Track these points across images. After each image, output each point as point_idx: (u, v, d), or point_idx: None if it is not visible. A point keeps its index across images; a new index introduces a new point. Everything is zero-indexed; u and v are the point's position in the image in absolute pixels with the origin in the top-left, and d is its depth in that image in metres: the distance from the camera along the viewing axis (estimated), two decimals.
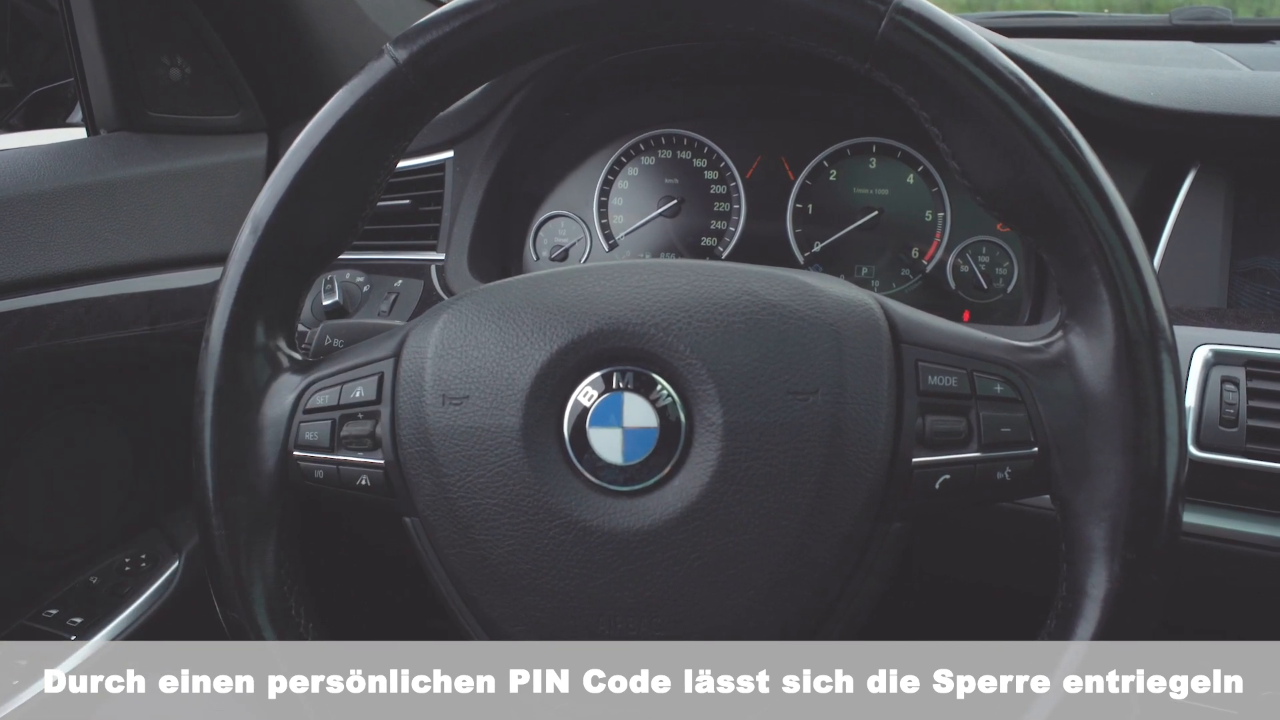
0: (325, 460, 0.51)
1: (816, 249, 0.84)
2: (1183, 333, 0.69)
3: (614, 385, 0.46)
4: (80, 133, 0.86)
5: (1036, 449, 0.45)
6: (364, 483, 0.50)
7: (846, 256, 0.83)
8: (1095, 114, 0.77)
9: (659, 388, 0.45)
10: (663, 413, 0.45)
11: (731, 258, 0.85)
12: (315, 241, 0.53)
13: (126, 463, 0.82)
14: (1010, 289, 0.82)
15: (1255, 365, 0.67)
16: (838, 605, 0.46)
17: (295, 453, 0.51)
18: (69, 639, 0.73)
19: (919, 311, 0.48)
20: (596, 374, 0.46)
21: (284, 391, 0.52)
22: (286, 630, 0.51)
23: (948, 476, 0.45)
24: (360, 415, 0.51)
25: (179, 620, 0.72)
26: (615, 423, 0.45)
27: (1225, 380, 0.66)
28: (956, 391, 0.45)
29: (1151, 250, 0.78)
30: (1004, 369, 0.45)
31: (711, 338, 0.45)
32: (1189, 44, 1.03)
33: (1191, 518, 0.66)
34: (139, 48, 0.81)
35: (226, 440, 0.51)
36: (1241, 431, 0.64)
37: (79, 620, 0.74)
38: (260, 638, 0.51)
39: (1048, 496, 0.46)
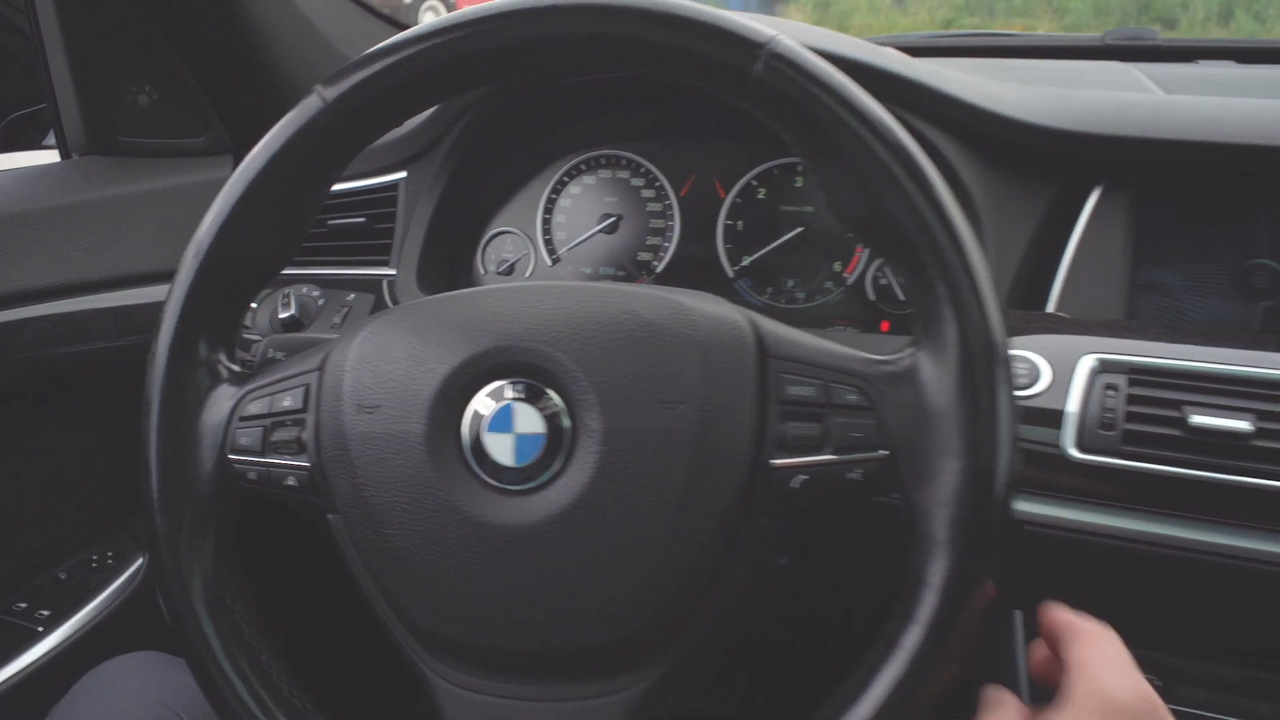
0: (257, 463, 0.56)
1: (745, 263, 0.89)
2: (1075, 342, 0.74)
3: (507, 395, 0.51)
4: (55, 155, 0.92)
5: (885, 452, 0.49)
6: (291, 483, 0.56)
7: (773, 270, 0.88)
8: (1004, 137, 0.82)
9: (547, 397, 0.50)
10: (550, 420, 0.50)
11: (666, 271, 0.90)
12: (252, 265, 0.58)
13: (96, 466, 0.87)
14: None
15: (1137, 373, 0.71)
16: (709, 593, 0.51)
17: (231, 456, 0.56)
18: (37, 630, 0.78)
19: (787, 328, 0.53)
20: (492, 385, 0.51)
21: (222, 400, 0.57)
22: (221, 617, 0.56)
23: (805, 477, 0.50)
24: (289, 422, 0.56)
25: (141, 612, 0.77)
26: (508, 429, 0.50)
27: (1107, 387, 0.71)
28: (814, 400, 0.50)
29: (1056, 265, 0.83)
30: (857, 380, 0.50)
31: (594, 353, 0.50)
32: (1115, 64, 1.08)
33: (1072, 514, 0.70)
34: (108, 76, 0.86)
35: (169, 445, 0.56)
36: (1119, 434, 0.69)
37: (47, 613, 0.79)
38: (198, 624, 0.56)
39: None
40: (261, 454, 0.56)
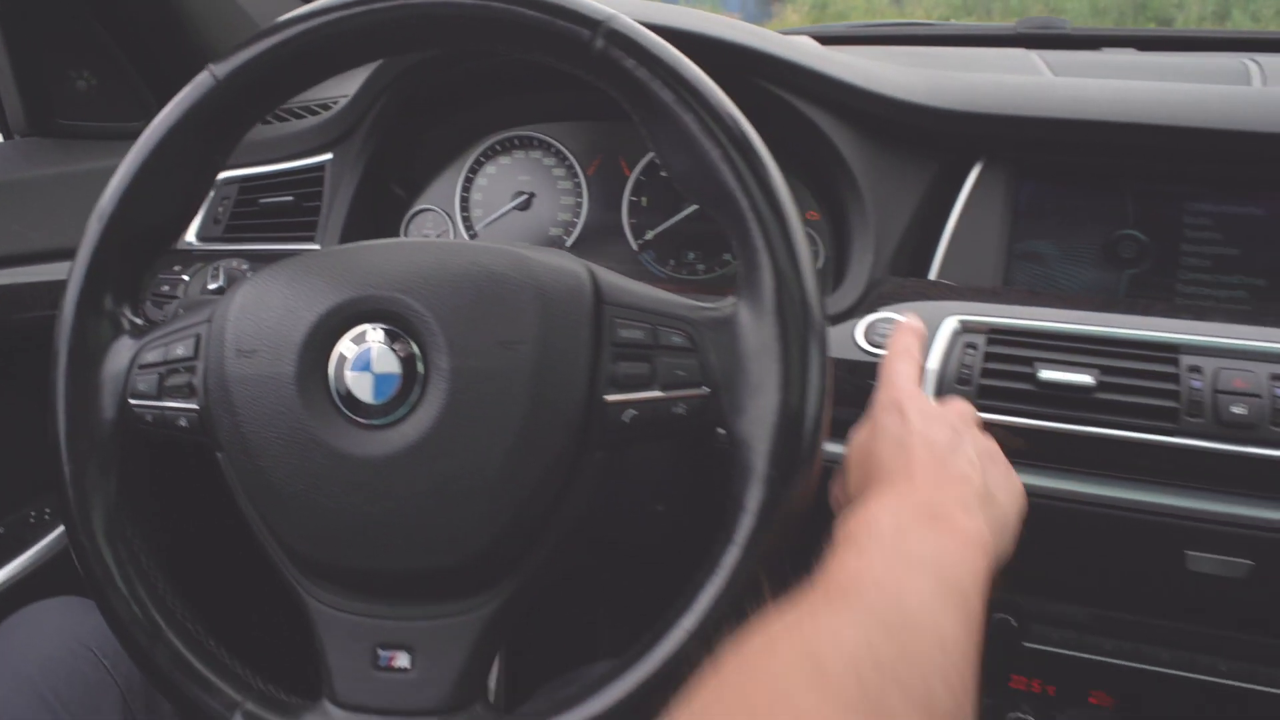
0: (153, 406, 0.61)
1: (648, 237, 0.94)
2: (943, 306, 0.79)
3: (368, 339, 0.56)
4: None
5: (706, 389, 0.55)
6: (183, 424, 0.61)
7: (675, 243, 0.93)
8: (885, 115, 0.87)
9: (403, 341, 0.55)
10: (405, 361, 0.55)
11: (576, 245, 0.95)
12: (151, 228, 0.64)
13: (36, 430, 0.92)
14: (819, 268, 0.92)
15: (996, 333, 0.76)
16: (552, 519, 0.56)
17: (130, 401, 0.62)
18: None
19: (624, 278, 0.58)
20: (356, 330, 0.56)
21: (122, 350, 0.63)
22: (120, 547, 0.61)
23: (635, 412, 0.55)
24: (181, 369, 0.61)
25: (70, 564, 0.82)
26: (368, 369, 0.55)
27: (967, 345, 0.76)
28: (643, 342, 0.55)
29: (938, 236, 0.88)
30: (683, 324, 0.55)
31: (443, 300, 0.55)
32: (1018, 51, 1.13)
33: None
34: (46, 62, 0.92)
35: (74, 391, 0.62)
36: (974, 388, 0.74)
37: None
38: (99, 554, 0.61)
39: None
40: (157, 398, 0.61)
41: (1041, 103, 0.87)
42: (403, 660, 0.57)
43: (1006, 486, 0.58)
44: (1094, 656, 0.77)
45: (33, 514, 0.90)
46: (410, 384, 0.55)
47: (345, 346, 0.56)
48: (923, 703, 0.35)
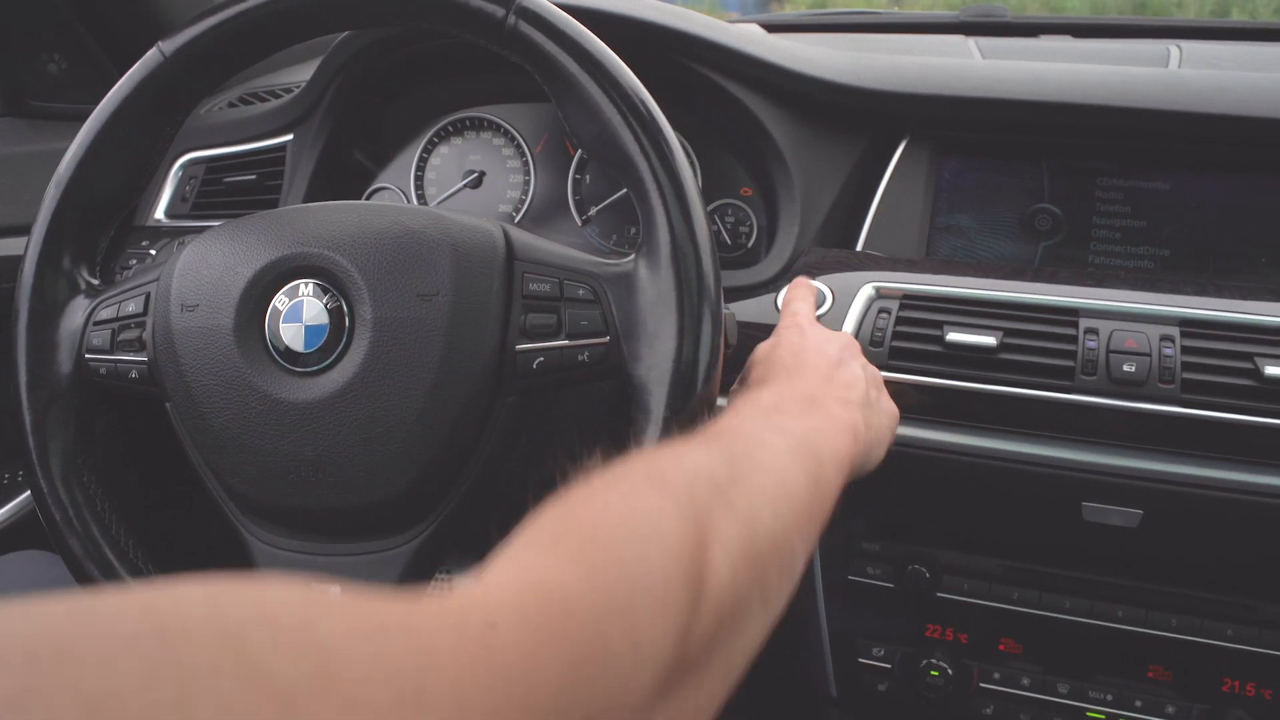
0: (107, 360, 0.66)
1: (592, 212, 0.98)
2: (862, 275, 0.83)
3: (300, 293, 0.60)
4: None
5: (608, 338, 0.59)
6: (134, 376, 0.65)
7: (617, 218, 0.98)
8: (811, 94, 0.92)
9: (330, 294, 0.60)
10: (332, 313, 0.60)
11: (524, 221, 1.00)
12: (105, 195, 0.69)
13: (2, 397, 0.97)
14: (751, 244, 0.96)
15: (909, 299, 0.81)
16: (469, 459, 0.61)
17: (86, 355, 0.66)
18: None
19: (536, 238, 0.63)
20: (289, 284, 0.61)
21: (79, 308, 0.67)
22: (77, 491, 0.66)
23: (543, 359, 0.59)
24: (132, 325, 0.66)
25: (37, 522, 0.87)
26: (299, 320, 0.60)
27: (881, 310, 0.80)
28: (550, 295, 0.60)
29: (866, 210, 0.93)
30: (587, 279, 0.60)
31: (367, 256, 0.60)
32: (955, 37, 1.17)
33: None
34: (18, 48, 0.96)
35: (34, 346, 0.66)
36: (886, 350, 0.78)
37: None
38: (56, 497, 0.65)
39: None
40: (110, 352, 0.66)
41: (962, 83, 0.91)
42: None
43: (884, 407, 0.63)
44: (1003, 605, 0.82)
45: (5, 476, 0.95)
46: (338, 334, 0.59)
47: (279, 300, 0.61)
48: (746, 521, 0.39)
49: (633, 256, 0.60)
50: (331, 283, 0.60)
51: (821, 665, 0.87)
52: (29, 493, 1.00)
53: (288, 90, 1.08)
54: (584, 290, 0.60)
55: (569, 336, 0.59)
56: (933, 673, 0.83)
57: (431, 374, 0.58)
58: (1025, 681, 0.82)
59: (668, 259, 0.58)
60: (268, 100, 1.08)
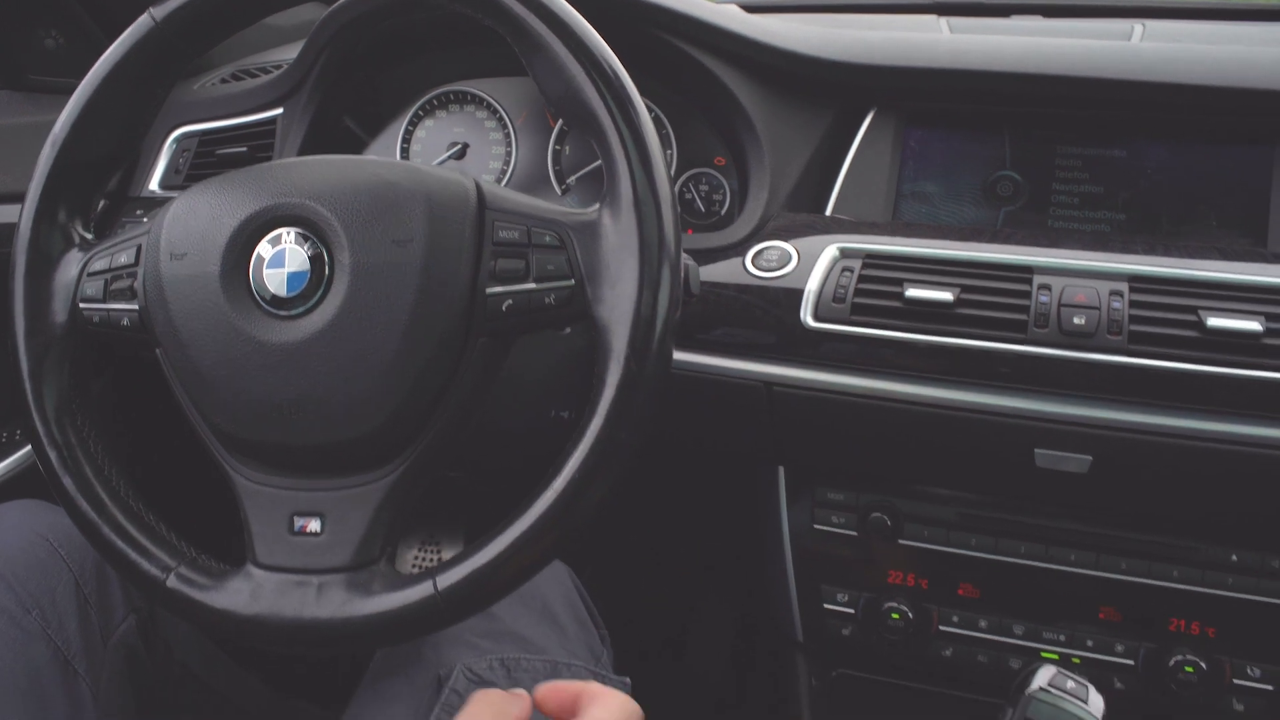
0: (100, 309, 0.69)
1: (571, 181, 1.02)
2: (828, 237, 0.87)
3: (283, 241, 0.63)
4: None
5: (573, 281, 0.62)
6: (126, 324, 0.69)
7: (595, 187, 1.01)
8: (780, 66, 0.95)
9: (311, 242, 0.63)
10: (313, 259, 0.63)
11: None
12: (99, 154, 0.72)
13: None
14: (724, 211, 1.00)
15: (871, 258, 0.84)
16: (444, 397, 0.64)
17: (80, 304, 0.70)
18: None
19: (507, 190, 0.66)
20: (273, 233, 0.64)
21: (73, 260, 0.71)
22: (72, 434, 0.69)
23: (511, 301, 0.63)
24: (124, 275, 0.69)
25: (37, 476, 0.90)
26: (282, 266, 0.63)
27: (844, 269, 0.84)
28: (519, 241, 0.63)
29: (834, 177, 0.96)
30: (554, 226, 0.63)
31: (346, 206, 0.63)
32: (929, 17, 1.20)
33: (813, 375, 0.83)
34: (16, 24, 0.99)
35: (30, 296, 0.70)
36: (847, 306, 0.82)
37: None
38: (51, 437, 0.69)
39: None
40: (103, 301, 0.69)
41: (926, 56, 0.95)
42: (314, 525, 0.64)
43: None
44: (961, 551, 0.86)
45: (4, 434, 0.98)
46: (318, 279, 0.63)
47: (263, 248, 0.64)
48: None
49: (597, 206, 0.64)
50: (312, 231, 0.63)
51: (789, 612, 0.91)
52: (26, 449, 1.04)
53: (278, 67, 1.11)
54: (550, 237, 0.63)
55: (536, 280, 0.62)
56: (893, 616, 0.86)
57: (406, 315, 0.61)
58: (983, 624, 0.86)
59: (629, 206, 0.61)
60: (259, 76, 1.12)
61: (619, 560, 1.33)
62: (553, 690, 0.52)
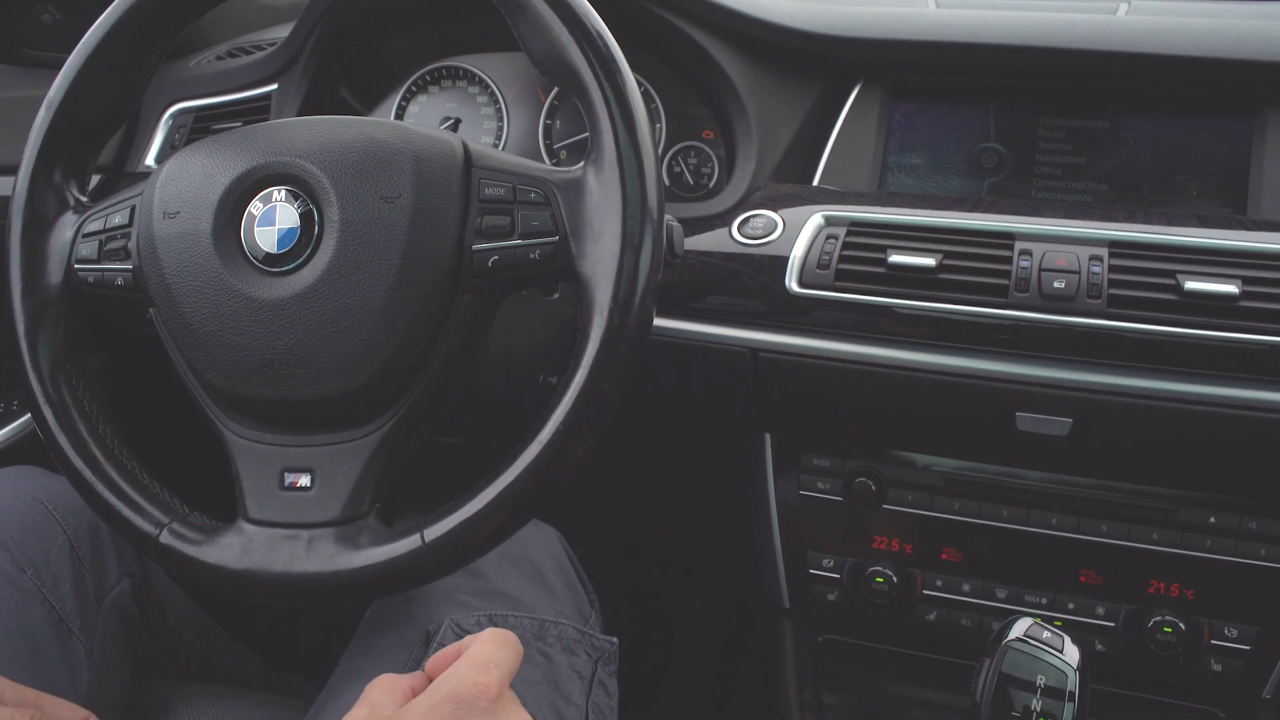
0: (95, 269, 0.70)
1: (562, 155, 1.03)
2: (814, 206, 0.88)
3: (273, 199, 0.65)
4: None
5: (557, 237, 0.63)
6: (120, 283, 0.70)
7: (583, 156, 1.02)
8: (768, 39, 0.96)
9: (301, 199, 0.64)
10: (303, 217, 0.64)
11: None
12: (93, 117, 0.73)
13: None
14: (712, 184, 1.01)
15: (855, 226, 0.85)
16: (431, 352, 0.65)
17: (75, 265, 0.71)
18: None
19: (493, 149, 0.67)
20: (264, 191, 0.65)
21: (68, 223, 0.72)
22: (66, 391, 0.70)
23: (497, 257, 0.64)
24: (118, 235, 0.70)
25: (36, 442, 0.92)
26: (272, 224, 0.64)
27: (829, 237, 0.85)
28: (504, 199, 0.64)
29: (821, 149, 0.97)
30: (538, 183, 0.64)
31: (336, 164, 0.64)
32: None
33: (798, 340, 0.84)
34: None
35: (27, 257, 0.71)
36: (831, 272, 0.83)
37: None
38: (46, 394, 0.70)
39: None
40: (98, 261, 0.70)
41: (911, 28, 0.96)
42: (304, 480, 0.66)
43: None
44: (945, 515, 0.87)
45: (1, 405, 1.00)
46: (308, 236, 0.64)
47: (254, 206, 0.65)
48: None
49: (581, 164, 0.65)
50: (302, 189, 0.64)
51: (775, 578, 0.92)
52: (23, 418, 1.05)
53: (272, 45, 1.12)
54: (535, 194, 0.64)
55: (521, 236, 0.64)
56: (878, 580, 0.87)
57: (393, 271, 0.63)
58: (966, 588, 0.87)
59: (613, 163, 0.62)
60: (253, 53, 1.13)
61: (609, 529, 1.35)
62: (439, 655, 0.57)
